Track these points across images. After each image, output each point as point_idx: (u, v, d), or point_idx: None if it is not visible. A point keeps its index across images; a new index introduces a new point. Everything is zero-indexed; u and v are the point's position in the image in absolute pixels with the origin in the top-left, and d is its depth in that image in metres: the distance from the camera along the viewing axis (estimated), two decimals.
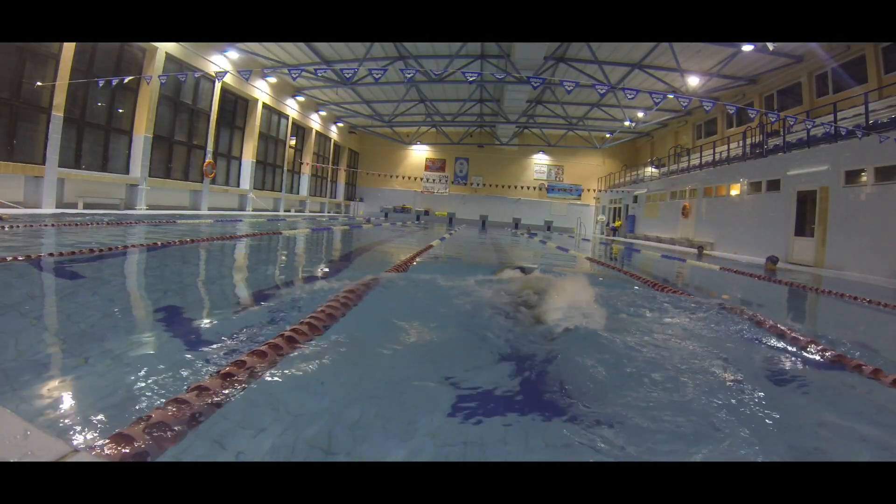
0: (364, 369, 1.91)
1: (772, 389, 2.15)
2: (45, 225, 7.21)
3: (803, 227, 11.64)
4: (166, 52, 13.01)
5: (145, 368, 1.76)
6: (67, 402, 1.49)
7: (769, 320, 3.27)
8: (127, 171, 12.64)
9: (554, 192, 30.62)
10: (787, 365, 2.59)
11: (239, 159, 18.37)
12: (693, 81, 16.18)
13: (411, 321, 2.58)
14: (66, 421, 1.34)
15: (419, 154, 31.29)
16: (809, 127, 11.23)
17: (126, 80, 10.40)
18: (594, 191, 29.55)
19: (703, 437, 1.50)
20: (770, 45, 13.07)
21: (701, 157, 18.14)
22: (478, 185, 31.03)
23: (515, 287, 3.12)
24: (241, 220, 12.43)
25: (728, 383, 2.09)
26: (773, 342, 2.90)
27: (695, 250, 14.20)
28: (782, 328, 3.07)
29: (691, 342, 2.70)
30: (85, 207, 11.02)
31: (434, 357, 2.18)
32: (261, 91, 18.53)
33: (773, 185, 12.87)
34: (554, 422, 1.57)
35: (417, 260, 5.96)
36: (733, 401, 1.83)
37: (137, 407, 1.42)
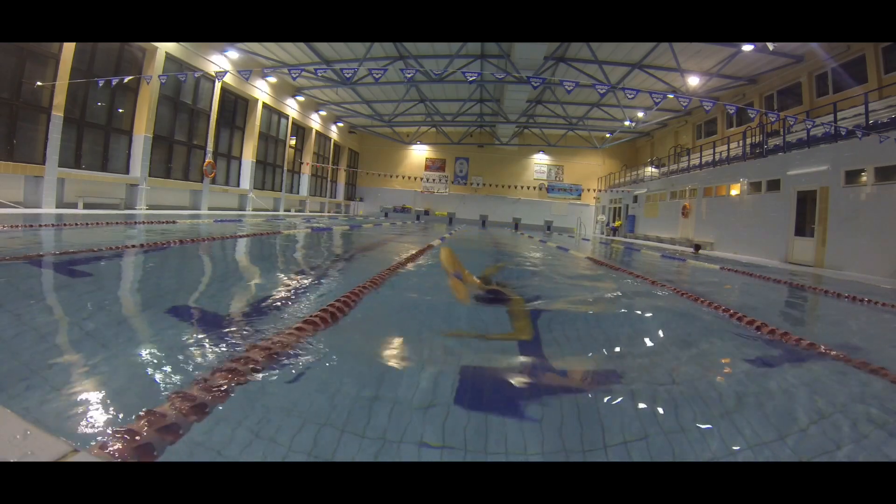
0: None
1: None
2: (44, 225, 7.21)
3: (803, 227, 11.65)
4: (166, 52, 13.02)
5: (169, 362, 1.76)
6: (67, 401, 1.49)
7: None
8: (127, 171, 12.65)
9: (554, 192, 30.63)
10: None
11: (239, 159, 18.38)
12: (693, 81, 16.18)
13: None
14: (66, 421, 1.34)
15: (419, 154, 31.30)
16: (809, 127, 11.24)
17: (126, 80, 10.40)
18: (594, 191, 29.57)
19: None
20: (770, 45, 13.07)
21: (701, 157, 18.16)
22: (478, 184, 31.04)
23: None
24: (240, 221, 12.43)
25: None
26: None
27: (691, 250, 14.19)
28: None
29: None
30: (85, 207, 11.03)
31: None
32: (261, 91, 18.54)
33: (773, 185, 12.88)
34: None
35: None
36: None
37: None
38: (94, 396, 1.52)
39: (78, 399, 1.49)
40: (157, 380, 1.67)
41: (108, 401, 1.48)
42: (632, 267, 8.00)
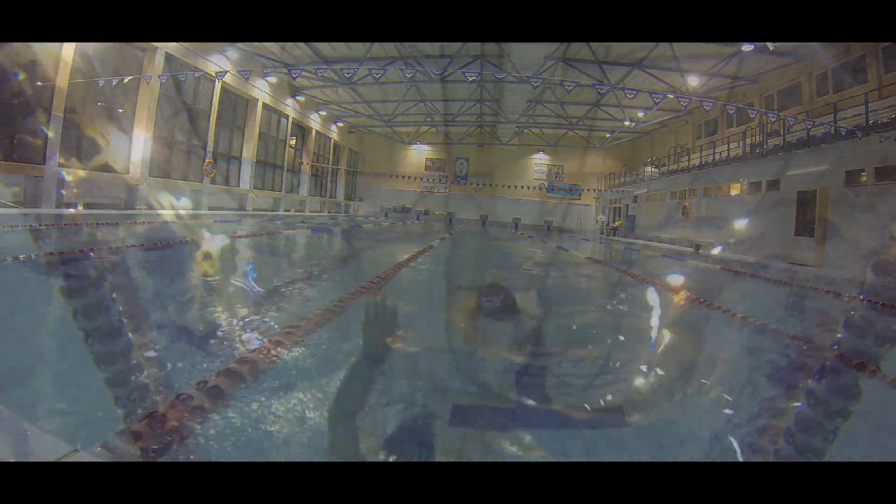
0: None
1: None
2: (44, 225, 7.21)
3: (803, 227, 11.63)
4: (166, 52, 13.01)
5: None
6: (67, 401, 1.49)
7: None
8: (127, 171, 12.64)
9: (554, 192, 30.62)
10: None
11: (239, 159, 18.37)
12: (693, 81, 16.18)
13: None
14: (67, 420, 1.34)
15: (419, 154, 31.29)
16: (809, 127, 11.23)
17: (126, 80, 10.40)
18: (594, 190, 29.55)
19: None
20: (770, 45, 13.06)
21: (701, 156, 18.13)
22: (478, 184, 31.02)
23: None
24: (240, 220, 12.42)
25: None
26: None
27: (691, 250, 14.19)
28: None
29: None
30: (85, 207, 11.01)
31: None
32: (261, 91, 18.52)
33: (773, 185, 12.87)
34: None
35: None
36: None
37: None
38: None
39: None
40: None
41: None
42: (644, 270, 7.99)
